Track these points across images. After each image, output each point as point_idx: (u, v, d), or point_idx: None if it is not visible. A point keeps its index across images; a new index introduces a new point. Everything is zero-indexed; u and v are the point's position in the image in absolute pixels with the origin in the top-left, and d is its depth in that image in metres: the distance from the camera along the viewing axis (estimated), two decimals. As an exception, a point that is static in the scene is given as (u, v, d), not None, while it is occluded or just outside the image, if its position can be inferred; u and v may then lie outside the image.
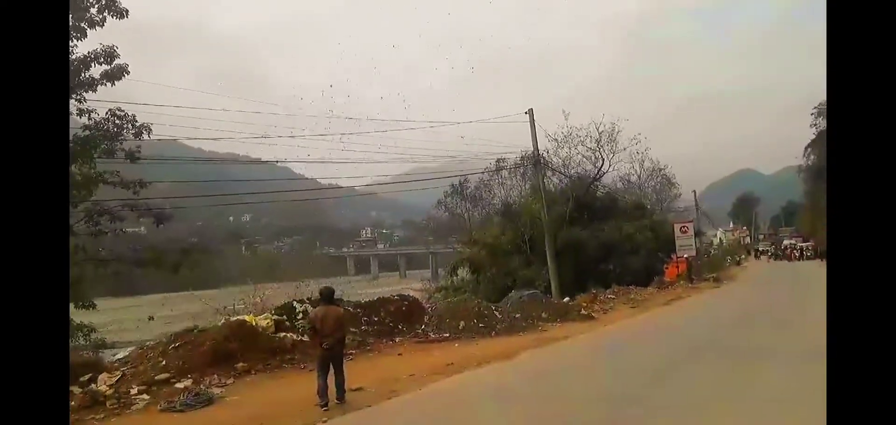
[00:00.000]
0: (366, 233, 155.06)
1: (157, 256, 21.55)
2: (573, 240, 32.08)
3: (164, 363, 10.52)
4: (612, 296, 23.86)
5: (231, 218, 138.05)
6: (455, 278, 37.83)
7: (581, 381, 9.64)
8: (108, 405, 8.74)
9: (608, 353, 12.62)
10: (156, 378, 9.80)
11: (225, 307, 15.67)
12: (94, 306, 18.85)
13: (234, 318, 12.67)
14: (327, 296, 9.20)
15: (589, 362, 11.70)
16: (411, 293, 24.65)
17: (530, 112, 26.51)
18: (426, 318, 16.04)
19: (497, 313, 16.93)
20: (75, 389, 9.23)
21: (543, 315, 17.29)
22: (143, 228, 23.40)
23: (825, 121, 57.42)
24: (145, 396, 9.12)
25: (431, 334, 14.93)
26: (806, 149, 66.88)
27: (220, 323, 12.36)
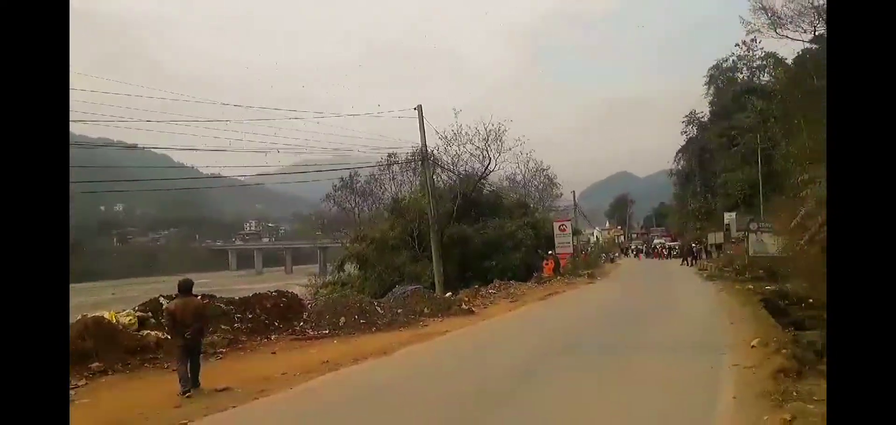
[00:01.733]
0: (250, 227, 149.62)
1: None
2: (459, 236, 32.69)
3: (4, 365, 9.57)
4: (493, 291, 24.54)
5: (102, 207, 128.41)
6: (342, 274, 37.36)
7: (454, 376, 9.82)
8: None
9: (484, 347, 12.95)
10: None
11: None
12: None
13: (91, 315, 11.76)
14: (185, 289, 9.30)
15: (465, 356, 11.95)
16: (296, 289, 24.02)
17: (419, 108, 26.68)
18: (305, 315, 15.73)
19: (379, 309, 16.90)
20: None
21: (425, 310, 17.47)
22: None
23: (694, 129, 62.11)
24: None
25: (310, 331, 14.66)
26: (676, 154, 72.41)
27: (74, 320, 11.43)
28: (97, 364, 10.12)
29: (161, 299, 13.68)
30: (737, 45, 57.77)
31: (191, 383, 8.74)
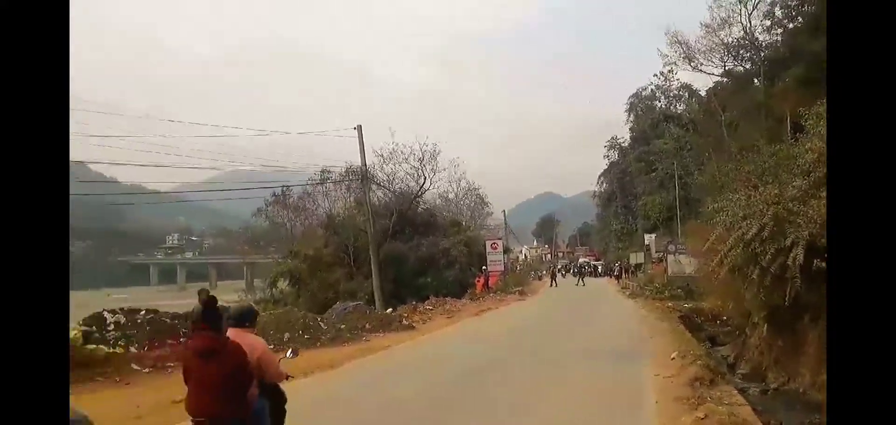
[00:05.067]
0: (172, 240, 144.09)
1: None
2: (395, 253, 33.28)
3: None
4: (430, 307, 25.26)
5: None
6: (275, 290, 37.09)
7: (402, 385, 10.46)
8: None
9: (428, 359, 13.64)
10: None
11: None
12: None
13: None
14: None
15: (411, 367, 12.60)
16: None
17: (359, 128, 27.22)
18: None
19: (322, 324, 17.27)
20: None
21: (367, 326, 17.96)
22: None
23: (616, 153, 65.11)
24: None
25: (255, 346, 14.90)
26: (599, 177, 75.74)
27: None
28: (49, 378, 10.10)
29: (104, 313, 13.65)
30: (655, 74, 61.21)
31: None
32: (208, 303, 4.48)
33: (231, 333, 4.68)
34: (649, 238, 46.54)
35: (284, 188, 46.07)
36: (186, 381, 4.62)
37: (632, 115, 66.26)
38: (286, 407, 5.48)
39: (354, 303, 21.48)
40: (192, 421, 4.50)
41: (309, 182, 40.91)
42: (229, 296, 49.40)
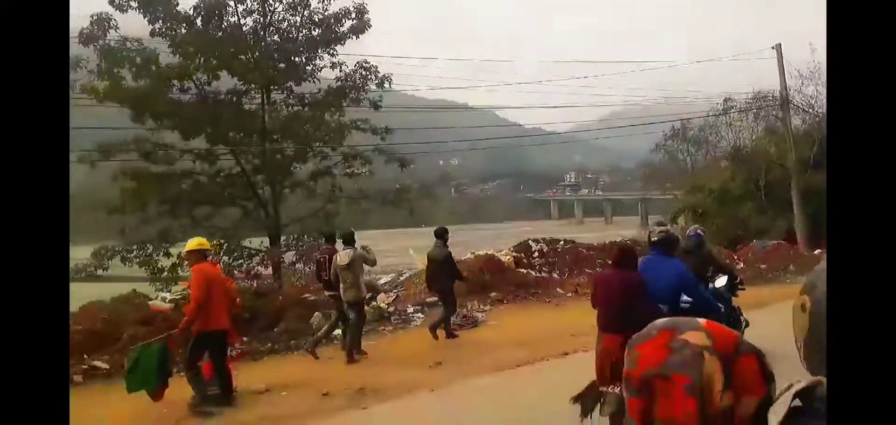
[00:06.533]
0: (569, 178, 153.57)
1: (397, 196, 23.77)
2: (817, 188, 28.76)
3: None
4: (870, 252, 21.25)
5: (441, 162, 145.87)
6: (675, 227, 36.22)
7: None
8: (391, 320, 10.14)
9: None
10: (426, 300, 11.06)
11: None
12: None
13: (482, 253, 13.67)
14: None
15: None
16: (626, 240, 24.13)
17: (778, 47, 24.09)
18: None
19: (739, 262, 16.09)
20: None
21: (791, 268, 16.03)
22: (366, 171, 24.89)
23: None
24: (420, 314, 10.35)
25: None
26: None
27: (469, 257, 13.43)
28: (495, 294, 11.74)
29: (530, 242, 15.20)
30: None
31: None
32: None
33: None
34: None
35: (683, 122, 44.32)
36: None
37: None
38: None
39: (774, 242, 19.35)
40: None
41: (710, 113, 38.24)
42: (625, 230, 50.58)
